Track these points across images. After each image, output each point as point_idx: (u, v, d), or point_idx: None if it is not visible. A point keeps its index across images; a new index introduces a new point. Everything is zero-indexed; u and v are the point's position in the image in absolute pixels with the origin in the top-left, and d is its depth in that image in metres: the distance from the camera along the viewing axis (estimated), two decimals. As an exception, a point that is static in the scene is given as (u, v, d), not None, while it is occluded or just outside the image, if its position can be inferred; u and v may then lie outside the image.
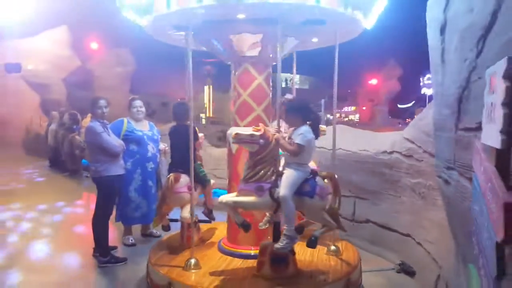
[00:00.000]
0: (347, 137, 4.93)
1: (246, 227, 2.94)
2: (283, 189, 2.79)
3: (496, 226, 0.98)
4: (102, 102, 4.21)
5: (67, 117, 10.67)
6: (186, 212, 3.55)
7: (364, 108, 41.55)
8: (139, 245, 4.68)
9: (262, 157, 2.88)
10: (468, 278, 1.62)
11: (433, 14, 2.24)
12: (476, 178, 1.39)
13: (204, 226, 4.27)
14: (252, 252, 3.42)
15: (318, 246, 3.42)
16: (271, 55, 3.41)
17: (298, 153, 2.84)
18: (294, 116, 2.96)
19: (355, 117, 43.68)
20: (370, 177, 4.37)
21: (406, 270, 3.76)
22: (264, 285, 2.95)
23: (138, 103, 4.76)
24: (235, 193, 3.07)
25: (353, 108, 45.81)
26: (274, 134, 2.91)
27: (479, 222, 1.28)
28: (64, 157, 10.67)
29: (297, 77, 43.61)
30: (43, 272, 3.96)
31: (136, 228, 4.95)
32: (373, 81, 39.11)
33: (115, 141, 4.18)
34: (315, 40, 3.81)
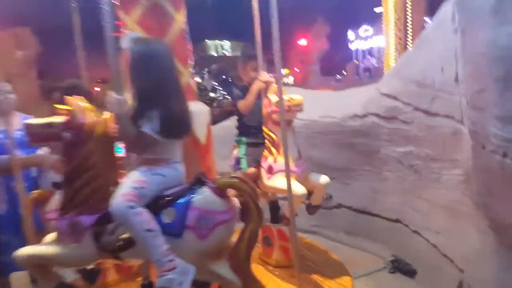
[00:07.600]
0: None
1: None
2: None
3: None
4: None
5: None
6: None
7: (297, 69, 41.32)
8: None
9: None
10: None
11: None
12: None
13: None
14: None
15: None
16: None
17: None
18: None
19: (289, 80, 43.30)
20: (336, 151, 3.36)
21: (402, 268, 2.86)
22: None
23: None
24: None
25: (286, 71, 45.36)
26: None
27: None
28: None
29: (228, 44, 41.64)
30: None
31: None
32: (303, 42, 38.67)
33: None
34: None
